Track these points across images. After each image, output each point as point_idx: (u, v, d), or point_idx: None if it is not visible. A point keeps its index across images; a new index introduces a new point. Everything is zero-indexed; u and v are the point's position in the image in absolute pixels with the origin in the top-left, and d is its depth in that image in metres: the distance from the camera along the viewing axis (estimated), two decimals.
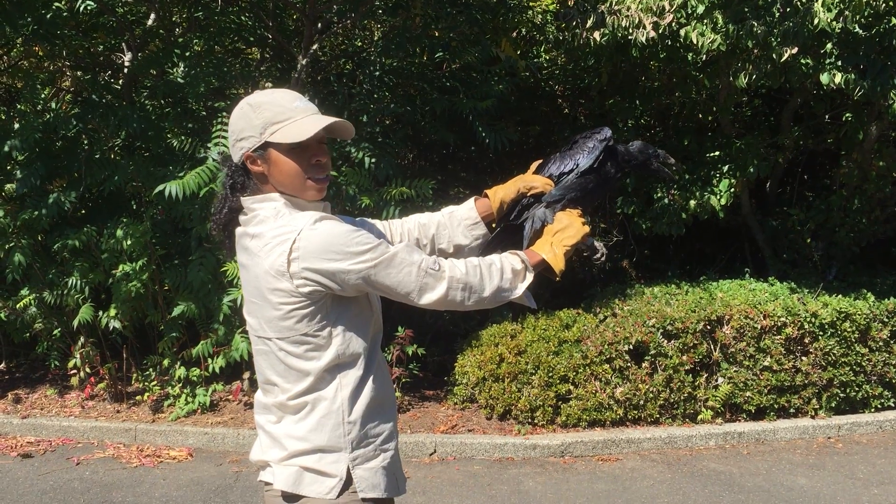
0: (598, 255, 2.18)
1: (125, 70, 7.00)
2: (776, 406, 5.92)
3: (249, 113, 1.86)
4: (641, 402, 5.72)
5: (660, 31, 5.76)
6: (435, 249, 2.18)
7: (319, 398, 1.85)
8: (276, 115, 1.84)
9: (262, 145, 1.84)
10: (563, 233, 2.05)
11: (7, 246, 5.88)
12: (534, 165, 2.30)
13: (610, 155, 2.22)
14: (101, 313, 5.95)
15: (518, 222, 2.20)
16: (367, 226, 2.10)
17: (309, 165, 1.86)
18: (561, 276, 2.01)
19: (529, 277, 1.95)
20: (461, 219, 2.18)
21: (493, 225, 2.23)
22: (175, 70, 6.72)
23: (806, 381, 5.91)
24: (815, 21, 5.32)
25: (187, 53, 6.65)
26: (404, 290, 1.82)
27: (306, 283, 1.77)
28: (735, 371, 5.82)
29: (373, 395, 1.89)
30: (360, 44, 7.89)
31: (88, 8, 6.20)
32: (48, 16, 6.15)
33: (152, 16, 7.00)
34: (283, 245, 1.77)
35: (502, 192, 2.20)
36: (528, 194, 2.20)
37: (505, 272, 1.91)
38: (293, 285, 1.77)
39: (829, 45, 5.72)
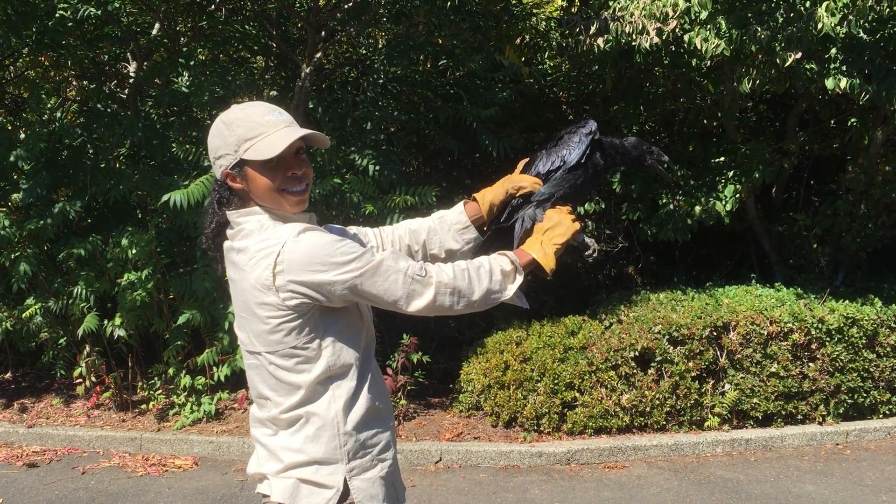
0: (590, 252, 2.15)
1: (130, 79, 7.02)
2: (783, 412, 5.90)
3: (224, 130, 1.84)
4: (648, 409, 5.69)
5: (663, 37, 5.75)
6: (427, 255, 2.16)
7: (313, 411, 1.83)
8: (248, 131, 1.81)
9: (238, 163, 1.83)
10: (553, 231, 2.03)
11: (13, 255, 5.89)
12: (521, 164, 2.27)
13: (597, 148, 2.18)
14: (106, 322, 5.96)
15: (509, 224, 2.17)
16: (353, 235, 2.08)
17: (285, 178, 1.83)
18: (553, 275, 1.98)
19: (519, 278, 1.92)
20: (451, 223, 2.16)
21: (485, 228, 2.20)
22: (180, 79, 6.74)
23: (813, 388, 5.88)
24: (819, 26, 5.30)
25: (192, 62, 6.67)
26: (392, 298, 1.80)
27: (293, 296, 1.76)
28: (742, 377, 5.80)
29: (368, 406, 1.87)
30: (364, 52, 7.90)
31: (92, 16, 6.21)
32: (52, 25, 6.16)
33: (157, 25, 7.03)
34: (267, 258, 1.76)
35: (491, 195, 2.17)
36: (517, 195, 2.17)
37: (494, 274, 1.89)
38: (279, 299, 1.76)
39: (833, 50, 5.71)
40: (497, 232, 2.19)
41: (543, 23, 7.68)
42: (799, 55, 5.50)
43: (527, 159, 2.28)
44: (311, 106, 6.48)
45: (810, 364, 5.88)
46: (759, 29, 5.49)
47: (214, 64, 6.86)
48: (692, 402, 5.76)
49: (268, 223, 1.84)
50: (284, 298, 1.76)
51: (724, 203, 6.76)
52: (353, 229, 2.13)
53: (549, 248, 1.99)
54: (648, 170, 2.30)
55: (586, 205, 7.27)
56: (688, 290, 6.64)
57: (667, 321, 5.76)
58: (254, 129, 1.81)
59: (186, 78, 6.62)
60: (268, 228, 1.82)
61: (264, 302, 1.78)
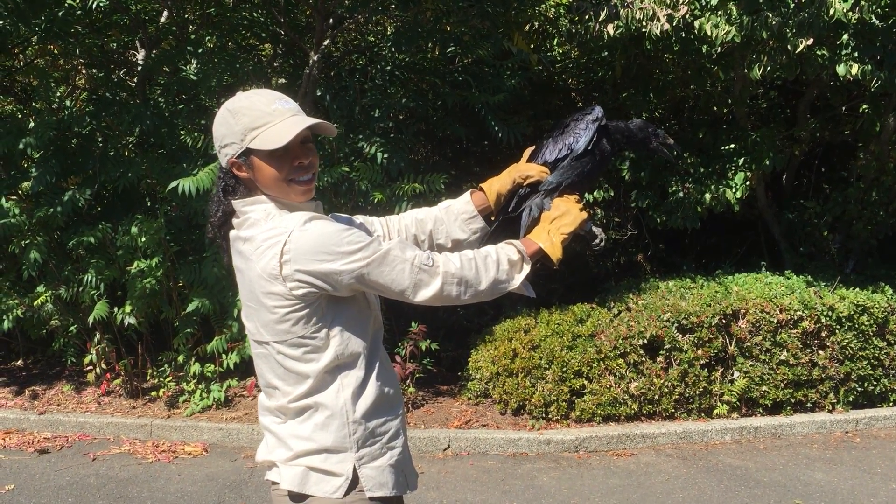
0: (598, 241, 2.13)
1: (139, 67, 7.03)
2: (793, 400, 5.88)
3: (229, 119, 1.83)
4: (656, 397, 5.69)
5: (674, 24, 5.71)
6: (433, 245, 2.15)
7: (321, 400, 1.83)
8: (255, 120, 1.80)
9: (244, 152, 1.81)
10: (560, 220, 2.02)
11: (23, 243, 5.92)
12: (527, 152, 2.25)
13: (603, 134, 2.17)
14: (116, 310, 5.98)
15: (516, 213, 2.16)
16: (360, 224, 2.06)
17: (292, 168, 1.82)
18: (560, 264, 1.97)
19: (527, 268, 1.91)
20: (458, 213, 2.15)
21: (492, 218, 2.19)
22: (188, 67, 6.73)
23: (823, 376, 5.86)
24: (831, 11, 5.26)
25: (200, 50, 6.67)
26: (399, 288, 1.79)
27: (299, 286, 1.75)
28: (751, 365, 5.78)
29: (377, 394, 1.87)
30: (372, 39, 7.87)
31: (101, 5, 6.21)
32: (61, 14, 6.17)
33: (165, 13, 7.02)
34: (274, 248, 1.75)
35: (498, 184, 2.16)
36: (525, 184, 2.15)
37: (501, 263, 1.88)
38: (286, 288, 1.75)
39: (845, 36, 5.66)
40: (504, 221, 2.18)
41: (552, 9, 7.63)
42: (810, 41, 5.45)
43: (533, 147, 2.25)
44: (319, 93, 6.47)
45: (820, 352, 5.86)
46: (770, 15, 5.45)
47: (222, 51, 6.85)
48: (701, 389, 5.75)
49: (274, 212, 1.82)
50: (291, 288, 1.75)
51: (734, 190, 6.73)
52: (359, 218, 2.11)
53: (556, 237, 1.98)
54: (654, 153, 2.29)
55: (595, 192, 7.26)
56: (697, 278, 6.62)
57: (676, 309, 5.75)
58: (260, 118, 1.80)
59: (195, 66, 6.61)
60: (274, 217, 1.81)
61: (271, 291, 1.77)
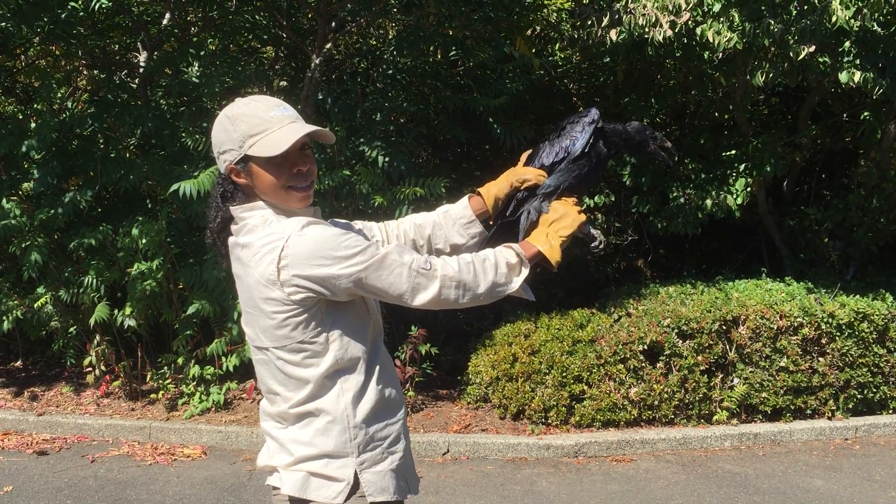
0: (596, 243, 2.12)
1: (140, 69, 7.03)
2: (792, 407, 5.88)
3: (228, 125, 1.82)
4: (656, 403, 5.69)
5: (676, 30, 5.72)
6: (432, 250, 2.14)
7: (322, 405, 1.83)
8: (253, 126, 1.79)
9: (242, 158, 1.81)
10: (558, 223, 2.01)
11: (24, 244, 5.92)
12: (524, 156, 2.24)
13: (599, 136, 2.16)
14: (116, 312, 5.97)
15: (515, 217, 2.15)
16: (359, 230, 2.06)
17: (290, 175, 1.82)
18: (559, 268, 1.97)
19: (525, 271, 1.91)
20: (456, 218, 2.15)
21: (491, 222, 2.18)
22: (190, 69, 6.74)
23: (823, 382, 5.86)
24: (833, 19, 5.27)
25: (202, 52, 6.67)
26: (397, 292, 1.79)
27: (298, 291, 1.75)
28: (751, 372, 5.78)
29: (377, 398, 1.87)
30: (374, 42, 7.88)
31: (104, 7, 6.22)
32: (63, 15, 6.18)
33: (167, 15, 7.02)
34: (271, 254, 1.75)
35: (495, 189, 2.15)
36: (522, 187, 2.14)
37: (499, 267, 1.87)
38: (285, 293, 1.75)
39: (847, 44, 5.66)
40: (503, 225, 2.17)
41: (555, 14, 7.65)
42: (812, 48, 5.46)
43: (530, 151, 2.25)
44: (320, 97, 6.47)
45: (820, 359, 5.86)
46: (773, 22, 5.45)
47: (224, 54, 6.85)
48: (700, 395, 5.74)
49: (272, 218, 1.82)
50: (290, 293, 1.75)
51: (734, 196, 6.74)
52: (358, 224, 2.11)
53: (554, 240, 1.98)
54: (651, 155, 2.28)
55: (596, 197, 7.26)
56: (697, 284, 6.62)
57: (676, 315, 5.74)
58: (258, 125, 1.79)
59: (196, 68, 6.62)
60: (272, 223, 1.81)
61: (270, 297, 1.77)
